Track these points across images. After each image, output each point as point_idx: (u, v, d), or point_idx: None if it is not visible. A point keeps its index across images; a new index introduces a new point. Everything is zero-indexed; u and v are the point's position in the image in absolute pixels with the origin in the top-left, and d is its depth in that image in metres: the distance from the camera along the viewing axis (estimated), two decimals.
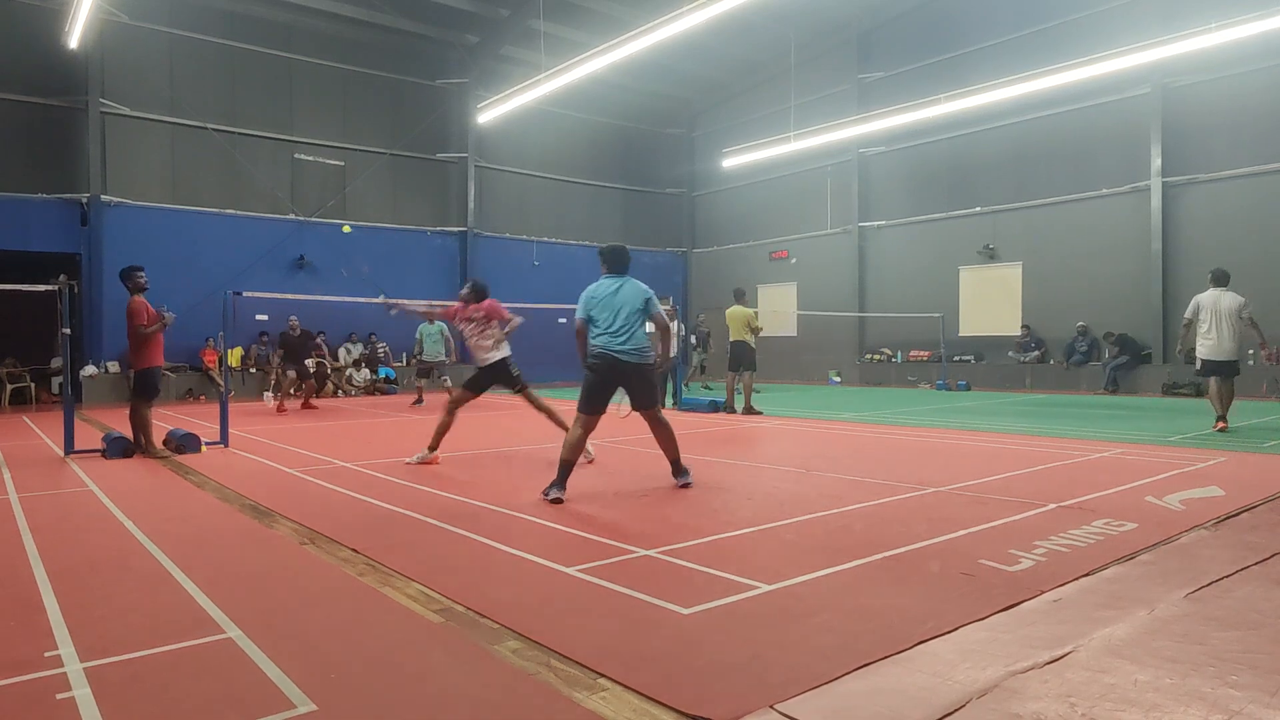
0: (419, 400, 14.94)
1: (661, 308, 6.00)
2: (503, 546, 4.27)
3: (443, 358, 14.42)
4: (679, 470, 6.02)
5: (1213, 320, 9.12)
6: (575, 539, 4.43)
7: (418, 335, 14.62)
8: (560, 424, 7.18)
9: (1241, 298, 9.18)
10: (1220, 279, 9.26)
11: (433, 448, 7.35)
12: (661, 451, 6.02)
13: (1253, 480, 5.88)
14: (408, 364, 19.22)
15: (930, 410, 12.42)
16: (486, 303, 7.69)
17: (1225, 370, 9.14)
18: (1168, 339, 15.33)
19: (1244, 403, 12.96)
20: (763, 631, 3.01)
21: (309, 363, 17.33)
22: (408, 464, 7.26)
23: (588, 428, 5.75)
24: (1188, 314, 9.42)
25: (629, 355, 5.72)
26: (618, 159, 23.37)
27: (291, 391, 14.08)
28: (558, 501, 5.34)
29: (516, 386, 7.63)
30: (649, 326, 5.96)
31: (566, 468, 5.53)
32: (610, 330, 5.74)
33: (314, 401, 13.74)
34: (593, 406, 5.77)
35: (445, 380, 14.66)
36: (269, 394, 14.15)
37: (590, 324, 5.82)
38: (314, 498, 5.79)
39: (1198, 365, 9.45)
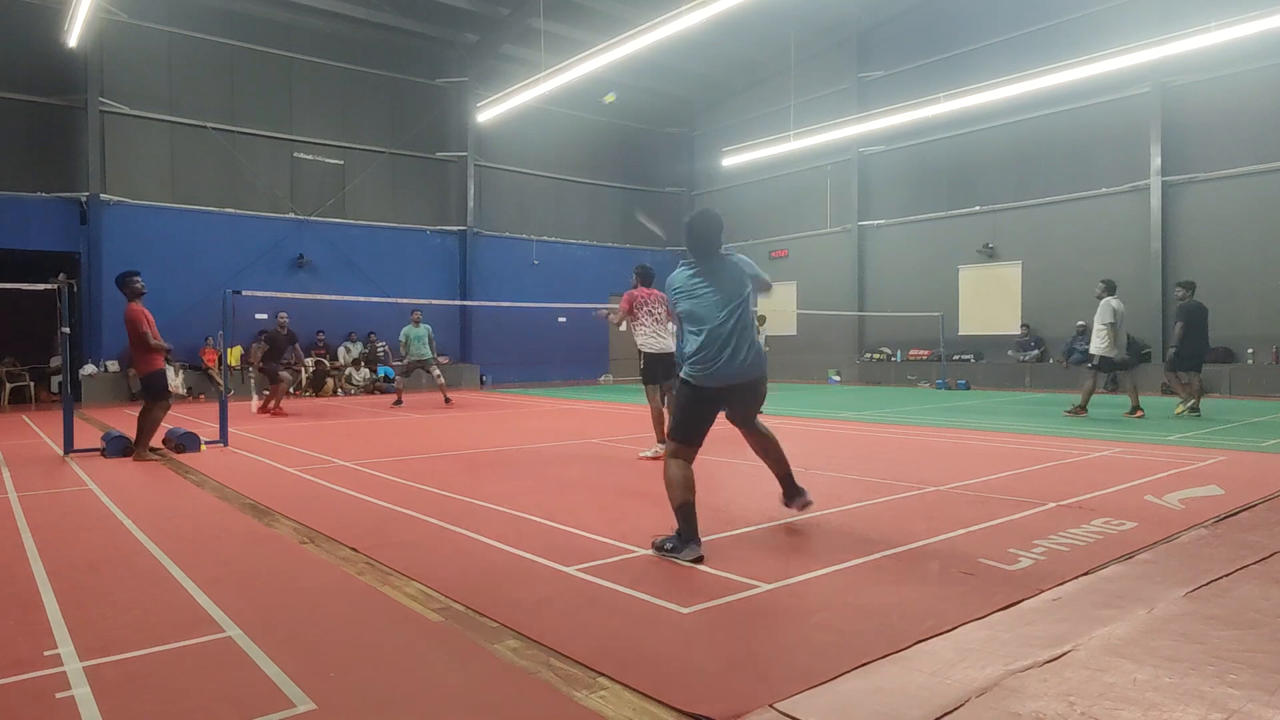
0: (398, 401, 14.55)
1: (757, 268, 4.48)
2: (502, 545, 4.26)
3: (428, 356, 14.23)
4: (793, 491, 4.77)
5: (1122, 324, 10.64)
6: (575, 538, 4.43)
7: (402, 338, 14.32)
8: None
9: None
10: (1114, 287, 10.77)
11: (661, 439, 7.21)
12: (769, 469, 4.81)
13: (1252, 479, 5.89)
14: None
15: (930, 409, 12.42)
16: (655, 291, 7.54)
17: (1114, 365, 10.79)
18: (1167, 338, 15.32)
19: (1245, 402, 12.98)
20: (762, 630, 3.01)
21: (308, 362, 17.36)
22: (642, 457, 7.30)
23: (690, 461, 4.23)
24: (1112, 319, 10.53)
25: (751, 372, 4.19)
26: (617, 158, 23.37)
27: (290, 391, 13.93)
28: (698, 562, 3.88)
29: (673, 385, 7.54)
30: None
31: (685, 513, 4.03)
32: (715, 340, 4.14)
33: (284, 408, 12.88)
34: (695, 436, 4.25)
35: (440, 378, 14.47)
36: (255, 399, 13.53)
37: (685, 332, 4.28)
38: (313, 497, 5.79)
39: (1094, 360, 10.71)
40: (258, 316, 17.43)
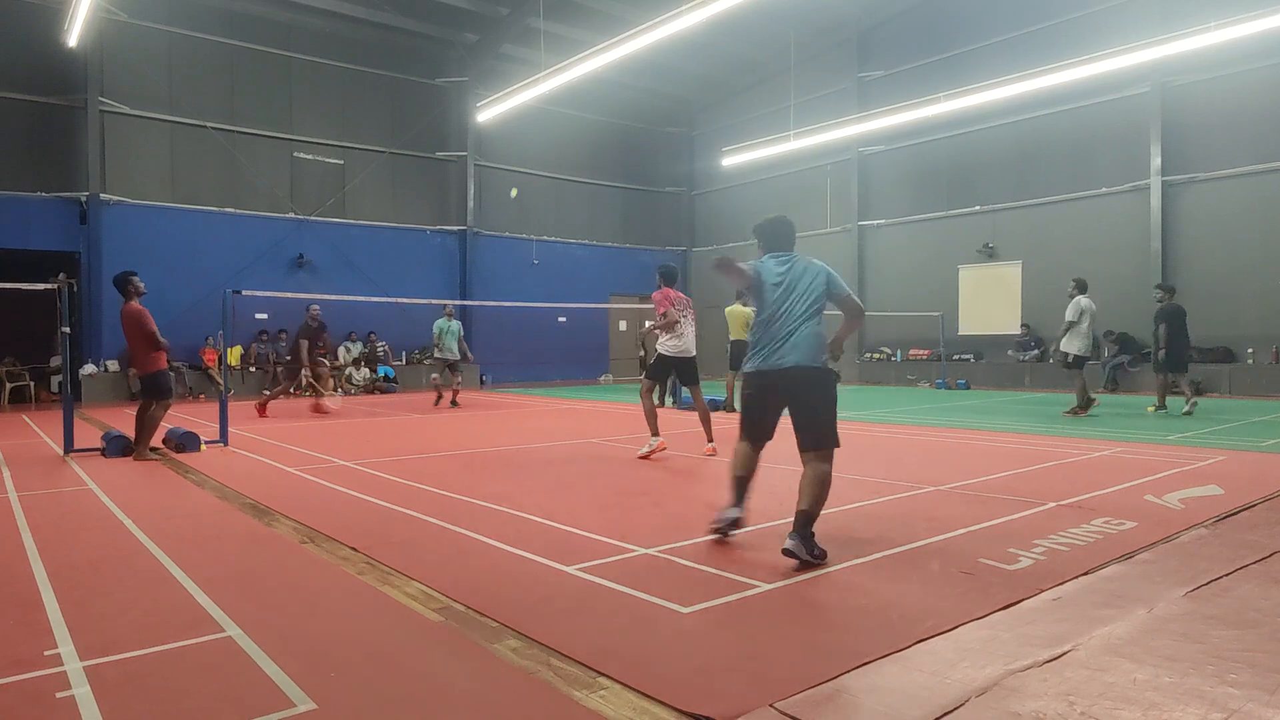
0: (446, 399, 13.85)
1: (848, 289, 4.46)
2: (502, 545, 4.26)
3: (456, 356, 13.73)
4: (803, 532, 4.21)
5: (1090, 322, 10.85)
6: (575, 537, 4.43)
7: (437, 331, 13.70)
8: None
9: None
10: (1086, 286, 11.05)
11: (655, 433, 7.44)
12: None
13: (1252, 479, 5.89)
14: (407, 363, 19.24)
15: (929, 409, 12.43)
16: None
17: (1085, 363, 11.04)
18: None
19: (1245, 402, 12.98)
20: (762, 630, 3.01)
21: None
22: (641, 456, 7.38)
23: (758, 449, 4.46)
24: (1072, 316, 10.77)
25: (785, 362, 4.16)
26: (617, 158, 23.36)
27: (291, 391, 13.73)
28: (737, 524, 4.31)
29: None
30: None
31: (738, 485, 4.35)
32: (773, 329, 4.24)
33: (271, 405, 12.51)
34: (757, 430, 4.42)
35: (459, 381, 13.95)
36: (330, 396, 12.89)
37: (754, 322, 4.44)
38: (313, 496, 5.79)
39: (1069, 359, 10.92)
40: (258, 316, 17.45)
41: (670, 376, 7.69)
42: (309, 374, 12.95)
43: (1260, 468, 6.46)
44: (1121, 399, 13.82)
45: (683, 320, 7.60)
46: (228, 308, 8.88)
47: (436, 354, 13.87)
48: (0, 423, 11.66)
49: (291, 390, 14.06)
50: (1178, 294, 15.46)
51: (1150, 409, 11.16)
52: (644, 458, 7.33)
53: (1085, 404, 10.73)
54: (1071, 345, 10.81)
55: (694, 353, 7.76)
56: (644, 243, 24.08)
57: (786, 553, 3.80)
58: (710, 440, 7.65)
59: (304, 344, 12.45)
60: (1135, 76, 15.14)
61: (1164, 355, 11.07)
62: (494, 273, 20.81)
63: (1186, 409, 10.75)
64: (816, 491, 4.00)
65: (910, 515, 4.93)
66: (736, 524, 4.29)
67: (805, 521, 3.90)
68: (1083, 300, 10.80)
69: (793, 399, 4.18)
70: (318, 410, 12.69)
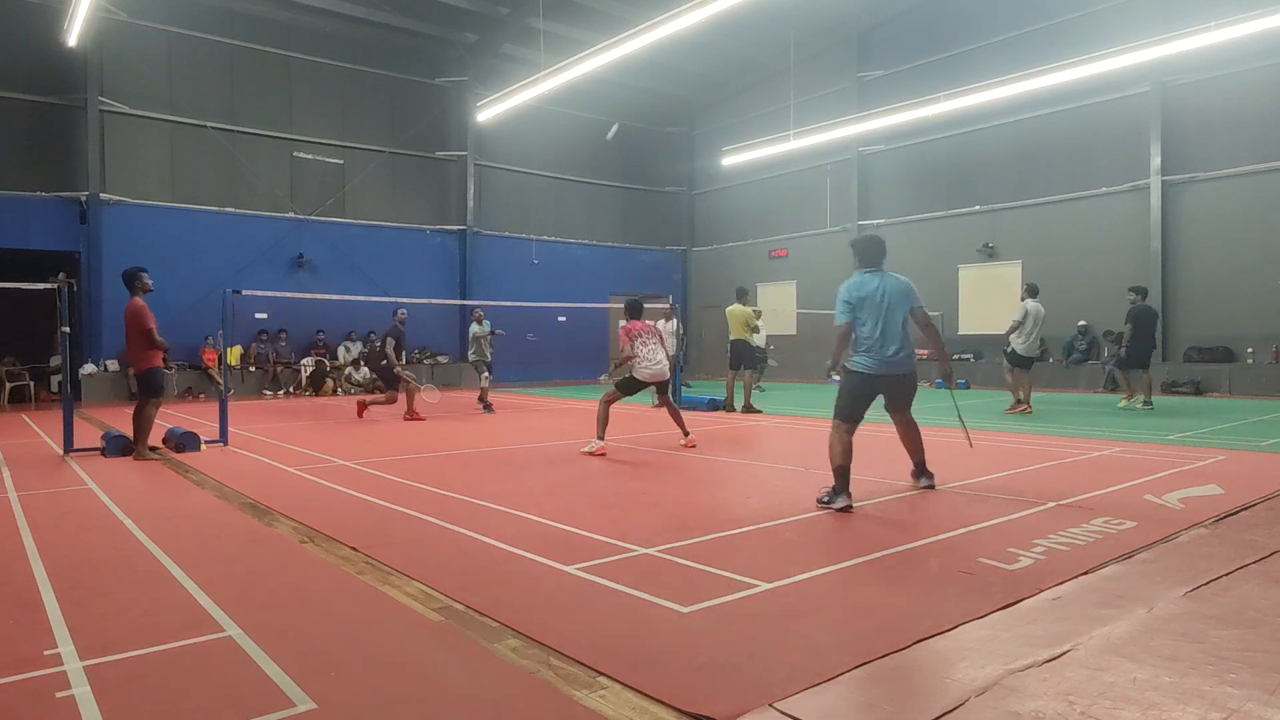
0: (488, 407, 12.93)
1: (922, 303, 5.48)
2: (502, 545, 4.27)
3: (489, 358, 13.18)
4: (922, 472, 5.76)
5: (1036, 326, 11.35)
6: (575, 537, 4.43)
7: (473, 333, 13.09)
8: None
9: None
10: (1036, 291, 11.68)
11: (600, 436, 7.84)
12: (906, 451, 5.82)
13: (1252, 479, 5.89)
14: (407, 363, 19.17)
15: (929, 409, 12.38)
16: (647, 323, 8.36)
17: (1031, 364, 11.61)
18: (1167, 337, 15.34)
19: (1245, 401, 12.98)
20: (762, 630, 3.01)
21: (307, 361, 17.34)
22: (583, 453, 7.74)
23: (851, 434, 5.31)
24: (1018, 317, 11.35)
25: (903, 366, 5.34)
26: (617, 157, 23.35)
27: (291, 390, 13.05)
28: (848, 509, 4.98)
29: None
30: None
31: (847, 473, 5.13)
32: (876, 336, 5.23)
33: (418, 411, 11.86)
34: (855, 413, 5.34)
35: (485, 379, 13.30)
36: (420, 390, 11.75)
37: (855, 328, 5.28)
38: (313, 496, 5.79)
39: (1007, 351, 11.59)
40: (258, 316, 17.44)
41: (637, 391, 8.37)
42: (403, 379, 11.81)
43: (1260, 467, 6.46)
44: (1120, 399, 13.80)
45: (649, 347, 8.07)
46: (227, 307, 8.88)
47: (474, 356, 13.14)
48: (0, 422, 11.66)
49: (292, 389, 13.69)
50: (1178, 294, 15.55)
51: (1122, 404, 11.95)
52: (587, 454, 7.68)
53: (1016, 403, 11.34)
54: (1015, 343, 11.44)
55: (668, 374, 8.30)
56: (644, 242, 24.08)
57: (930, 488, 5.59)
58: (686, 434, 8.11)
59: (389, 348, 11.57)
60: (1135, 76, 15.13)
61: (1123, 352, 11.83)
62: (494, 272, 20.80)
63: (1122, 404, 11.74)
64: (915, 443, 5.75)
65: (910, 514, 4.93)
66: (849, 509, 5.03)
67: (922, 463, 5.74)
68: (1030, 304, 11.34)
69: (889, 391, 5.50)
70: (413, 417, 11.59)
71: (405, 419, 11.49)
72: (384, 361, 11.60)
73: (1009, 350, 11.56)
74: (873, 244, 5.49)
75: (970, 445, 6.32)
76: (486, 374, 13.22)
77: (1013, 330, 11.45)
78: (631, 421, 10.55)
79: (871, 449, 7.99)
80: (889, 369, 5.29)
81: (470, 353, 13.40)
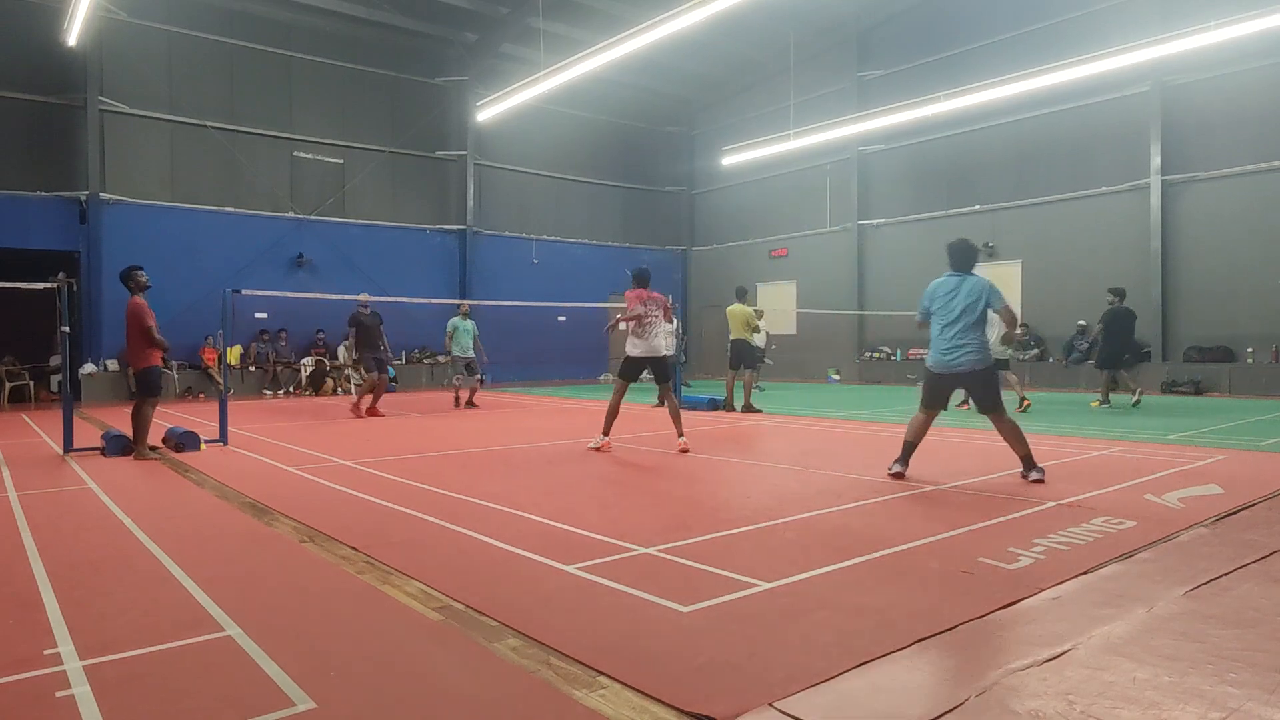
0: (467, 402, 13.56)
1: (1005, 301, 5.98)
2: (502, 544, 4.26)
3: (472, 354, 13.34)
4: (1030, 465, 5.92)
5: (995, 332, 11.74)
6: (575, 537, 4.43)
7: (450, 329, 13.30)
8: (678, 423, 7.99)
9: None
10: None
11: (606, 433, 7.80)
12: (1009, 448, 6.00)
13: (1252, 478, 5.89)
14: (407, 362, 19.23)
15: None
16: (653, 293, 8.08)
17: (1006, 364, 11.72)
18: (1167, 337, 15.34)
19: (1244, 401, 12.99)
20: (762, 629, 3.01)
21: (307, 361, 17.33)
22: (589, 449, 7.76)
23: (929, 419, 6.08)
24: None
25: (960, 364, 5.85)
26: (617, 157, 23.36)
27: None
28: (899, 476, 5.93)
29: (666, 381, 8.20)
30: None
31: (910, 448, 6.01)
32: (943, 336, 5.88)
33: (379, 408, 11.95)
34: (932, 403, 6.07)
35: (479, 379, 13.58)
36: (353, 392, 11.90)
37: (931, 324, 6.02)
38: (313, 496, 5.79)
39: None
40: (257, 316, 17.44)
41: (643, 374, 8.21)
42: (356, 368, 11.90)
43: (1260, 467, 6.46)
44: (1121, 398, 13.80)
45: (653, 320, 7.90)
46: (227, 307, 8.88)
47: (457, 352, 13.31)
48: (0, 422, 11.66)
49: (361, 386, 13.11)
50: (1178, 294, 15.56)
51: (1094, 404, 12.34)
52: (593, 450, 7.71)
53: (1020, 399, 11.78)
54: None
55: (664, 352, 8.07)
56: (644, 242, 24.08)
57: (1038, 481, 5.73)
58: (681, 435, 7.87)
59: (347, 343, 11.73)
60: (1135, 76, 15.14)
61: (1099, 352, 12.42)
62: (494, 272, 20.80)
63: (1095, 402, 12.20)
64: (1015, 435, 5.89)
65: (909, 514, 4.93)
66: (900, 476, 5.91)
67: (1027, 458, 5.87)
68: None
69: (966, 385, 6.04)
70: (357, 411, 11.78)
71: (351, 411, 11.81)
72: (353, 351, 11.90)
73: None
74: (960, 250, 6.06)
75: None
76: (467, 372, 13.44)
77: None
78: (632, 421, 10.56)
79: (872, 448, 8.00)
80: (946, 369, 5.91)
81: (450, 349, 13.48)
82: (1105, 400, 12.16)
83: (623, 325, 8.01)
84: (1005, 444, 6.06)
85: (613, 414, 7.90)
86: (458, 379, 13.81)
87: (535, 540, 4.34)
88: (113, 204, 15.79)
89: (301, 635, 3.01)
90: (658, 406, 13.16)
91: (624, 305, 8.14)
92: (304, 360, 17.54)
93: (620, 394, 8.02)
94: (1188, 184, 15.20)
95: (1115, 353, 12.06)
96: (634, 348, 7.96)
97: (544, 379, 21.51)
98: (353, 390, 12.00)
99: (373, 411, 11.75)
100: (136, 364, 7.90)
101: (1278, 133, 14.16)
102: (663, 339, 7.99)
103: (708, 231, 24.67)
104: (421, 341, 19.41)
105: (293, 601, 3.43)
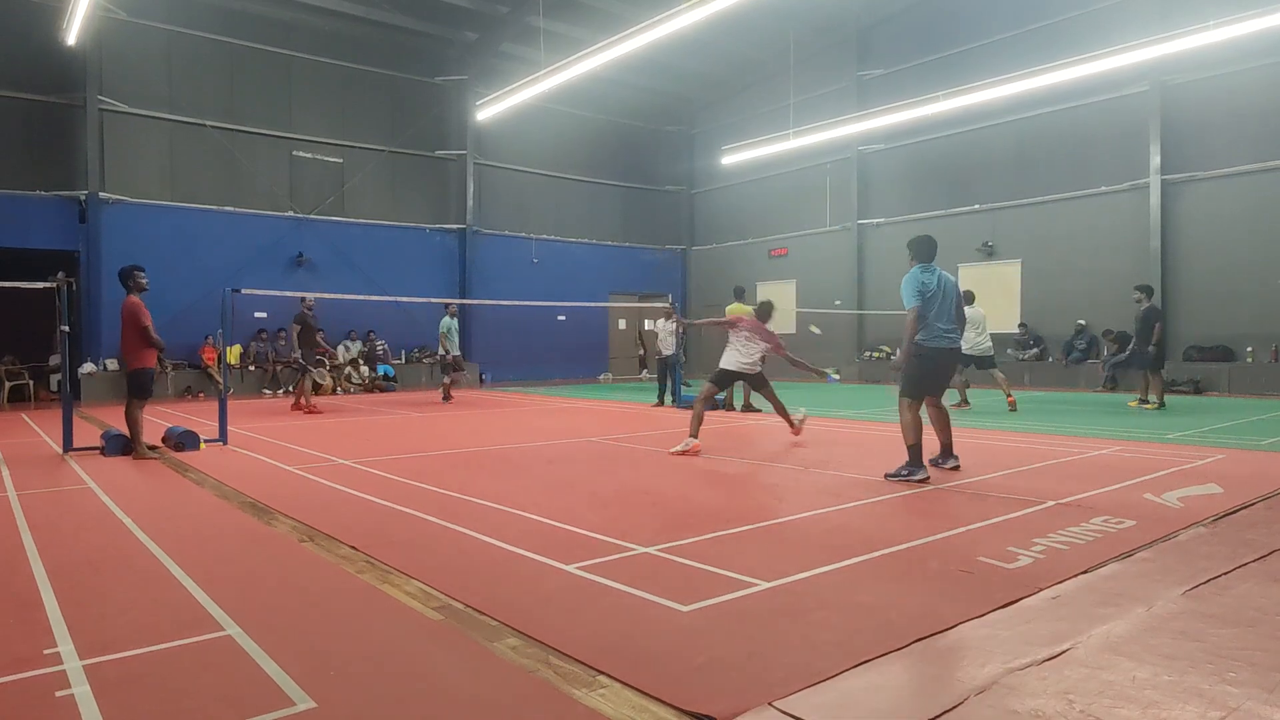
0: (448, 397, 14.41)
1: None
2: (502, 544, 4.27)
3: (458, 352, 14.08)
4: (948, 455, 6.38)
5: (977, 330, 11.76)
6: (574, 536, 4.43)
7: (444, 329, 14.04)
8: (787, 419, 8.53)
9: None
10: (973, 298, 11.90)
11: (694, 435, 7.76)
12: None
13: (1251, 478, 5.89)
14: (406, 362, 19.24)
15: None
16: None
17: (987, 363, 12.24)
18: (1167, 337, 15.32)
19: (1244, 401, 12.99)
20: (762, 628, 3.01)
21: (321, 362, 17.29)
22: (672, 453, 7.62)
23: (916, 409, 6.11)
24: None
25: (958, 344, 6.30)
26: (617, 156, 23.35)
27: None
28: (925, 482, 5.85)
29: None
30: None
31: (917, 450, 5.95)
32: (939, 321, 6.13)
33: (315, 405, 12.48)
34: (924, 390, 6.22)
35: (460, 374, 14.40)
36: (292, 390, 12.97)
37: (923, 315, 6.09)
38: (313, 495, 5.79)
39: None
40: (257, 315, 17.44)
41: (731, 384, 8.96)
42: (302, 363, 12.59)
43: (1259, 466, 6.46)
44: (1120, 397, 13.82)
45: (749, 343, 8.26)
46: (227, 306, 8.88)
47: (455, 352, 13.87)
48: (0, 421, 11.66)
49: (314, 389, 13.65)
50: (1178, 293, 15.58)
51: (1132, 404, 12.24)
52: (676, 454, 7.51)
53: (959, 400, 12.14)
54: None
55: (759, 368, 8.48)
56: (643, 241, 24.07)
57: (954, 468, 6.26)
58: (694, 437, 7.85)
59: (293, 329, 12.48)
60: (1134, 75, 15.13)
61: (1140, 354, 12.29)
62: (494, 272, 20.80)
63: (1150, 405, 11.91)
64: (944, 427, 6.41)
65: (910, 514, 4.93)
66: (925, 481, 5.85)
67: (948, 446, 6.36)
68: (967, 310, 11.84)
69: (956, 365, 6.34)
70: (299, 408, 12.33)
71: (292, 409, 12.15)
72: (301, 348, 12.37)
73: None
74: (927, 243, 6.44)
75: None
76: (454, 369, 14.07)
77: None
78: (632, 421, 10.56)
79: (871, 448, 8.00)
80: (951, 344, 6.22)
81: (445, 349, 13.84)
82: (1160, 403, 11.74)
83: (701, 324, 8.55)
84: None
85: (699, 418, 7.87)
86: (452, 376, 14.42)
87: (535, 540, 4.34)
88: (112, 203, 15.78)
89: (301, 635, 3.01)
90: (657, 406, 13.23)
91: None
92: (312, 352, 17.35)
93: (708, 399, 8.17)
94: (1187, 183, 15.20)
95: (1160, 352, 11.79)
96: (731, 362, 8.27)
97: (544, 378, 21.51)
98: (305, 389, 12.69)
99: (310, 409, 12.14)
100: (130, 363, 7.87)
101: (1277, 132, 14.16)
102: (755, 357, 8.31)
103: (707, 231, 24.66)
104: (421, 341, 19.41)
105: (292, 601, 3.43)
